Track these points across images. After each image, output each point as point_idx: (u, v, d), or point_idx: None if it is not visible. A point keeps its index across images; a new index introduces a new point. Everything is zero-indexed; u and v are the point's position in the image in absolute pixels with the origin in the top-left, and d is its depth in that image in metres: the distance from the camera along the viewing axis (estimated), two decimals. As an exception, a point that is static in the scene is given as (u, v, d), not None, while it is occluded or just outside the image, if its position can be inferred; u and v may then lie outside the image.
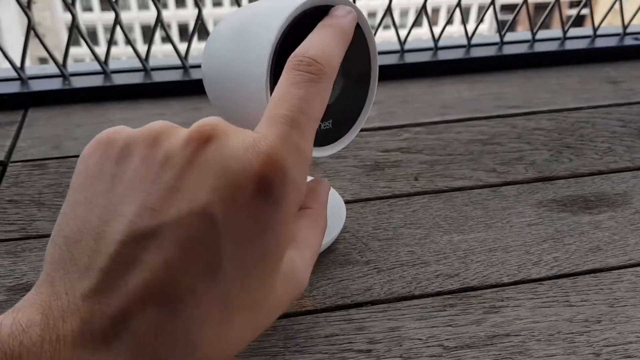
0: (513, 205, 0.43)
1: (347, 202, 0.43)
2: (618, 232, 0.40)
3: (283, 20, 0.28)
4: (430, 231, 0.40)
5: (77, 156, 0.47)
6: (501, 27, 0.66)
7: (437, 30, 0.63)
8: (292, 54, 0.25)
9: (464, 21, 0.66)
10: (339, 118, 0.33)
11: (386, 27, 0.68)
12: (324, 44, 0.26)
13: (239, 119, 0.32)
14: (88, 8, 15.13)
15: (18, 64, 0.56)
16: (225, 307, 0.21)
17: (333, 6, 0.30)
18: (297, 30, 0.28)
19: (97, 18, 15.56)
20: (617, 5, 0.67)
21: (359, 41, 0.32)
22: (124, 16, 14.43)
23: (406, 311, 0.34)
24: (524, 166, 0.47)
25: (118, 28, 0.56)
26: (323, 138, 0.33)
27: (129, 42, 0.58)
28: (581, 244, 0.39)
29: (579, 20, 0.71)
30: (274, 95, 0.24)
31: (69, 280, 0.20)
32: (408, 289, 0.36)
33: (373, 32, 0.32)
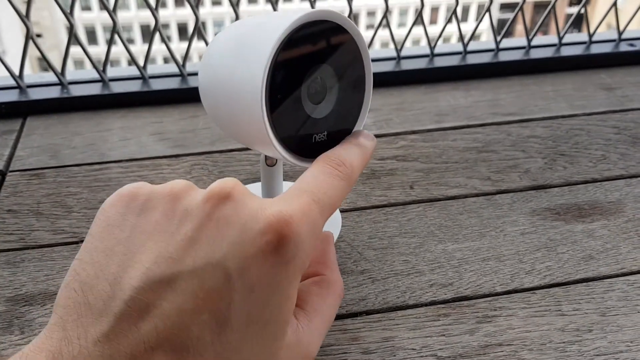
0: (507, 213, 0.43)
1: (343, 210, 0.43)
2: (611, 241, 0.41)
3: (280, 33, 0.28)
4: (425, 240, 0.41)
5: (75, 165, 0.48)
6: (498, 28, 0.66)
7: (433, 33, 0.64)
8: (325, 154, 0.29)
9: (459, 28, 0.66)
10: (333, 130, 0.33)
11: (384, 25, 0.69)
12: (352, 155, 0.29)
13: (233, 130, 0.33)
14: (87, 8, 15.13)
15: (16, 71, 0.57)
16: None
17: (329, 22, 0.30)
18: (294, 43, 0.29)
19: (96, 17, 15.56)
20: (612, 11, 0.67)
21: (353, 55, 0.32)
22: (123, 16, 14.43)
23: (400, 321, 0.35)
24: (518, 174, 0.48)
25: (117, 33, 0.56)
26: (319, 149, 0.33)
27: (128, 52, 0.58)
28: (574, 253, 0.40)
29: (578, 20, 0.71)
30: (305, 174, 0.27)
31: (82, 325, 0.20)
32: (402, 298, 0.36)
33: (367, 46, 0.33)
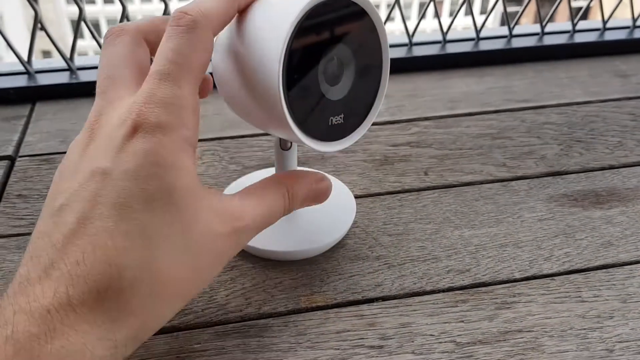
0: (524, 200, 0.43)
1: (356, 196, 0.43)
2: (629, 227, 0.40)
3: (298, 12, 0.27)
4: (440, 226, 0.40)
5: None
6: (508, 19, 0.65)
7: (444, 22, 0.63)
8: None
9: (472, 14, 0.65)
10: (350, 112, 0.32)
11: (390, 19, 0.68)
12: (196, 2, 0.28)
13: (249, 112, 0.32)
14: (91, 1, 15.10)
15: (25, 57, 0.56)
16: (144, 235, 0.24)
17: (347, 2, 0.29)
18: (311, 23, 0.28)
19: (100, 10, 15.54)
20: (627, -2, 0.66)
21: (370, 36, 0.32)
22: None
23: (418, 307, 0.34)
24: (534, 160, 0.47)
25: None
26: (334, 133, 0.32)
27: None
28: (593, 239, 0.39)
29: (583, 14, 0.70)
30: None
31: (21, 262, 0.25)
32: (419, 284, 0.35)
33: (384, 26, 0.32)
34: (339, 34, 0.30)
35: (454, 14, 0.64)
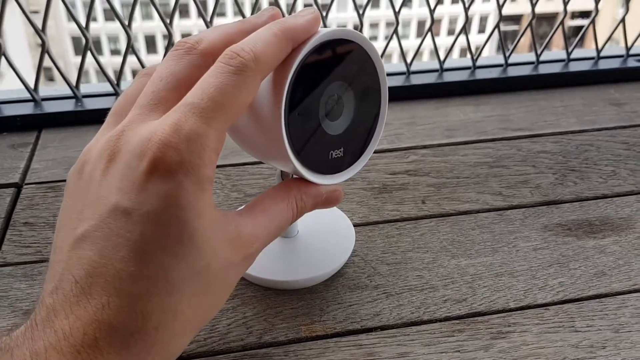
0: (519, 229, 0.44)
1: (356, 225, 0.44)
2: (622, 257, 0.41)
3: (300, 52, 0.28)
4: (438, 255, 0.41)
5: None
6: (504, 48, 0.67)
7: (438, 44, 0.64)
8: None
9: (469, 43, 0.67)
10: (349, 146, 0.34)
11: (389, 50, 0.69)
12: (257, 40, 0.27)
13: (250, 145, 0.33)
14: (92, 18, 15.22)
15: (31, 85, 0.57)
16: (166, 280, 0.24)
17: (346, 40, 0.31)
18: (312, 62, 0.29)
19: (101, 27, 15.66)
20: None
21: (368, 72, 0.33)
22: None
23: (415, 336, 0.35)
24: (529, 189, 0.48)
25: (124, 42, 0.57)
26: (334, 166, 0.34)
27: (141, 65, 0.58)
28: (586, 269, 0.40)
29: (576, 35, 0.72)
30: (196, 84, 0.26)
31: (42, 289, 0.26)
32: (417, 314, 0.36)
33: (383, 64, 0.33)
34: (338, 71, 0.31)
35: (450, 44, 0.66)
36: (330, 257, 0.39)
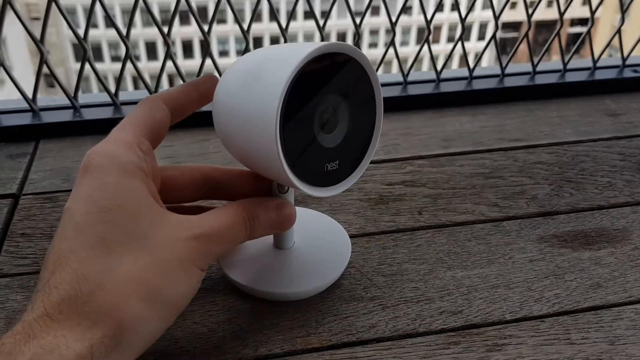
0: (515, 240, 0.44)
1: (352, 236, 0.44)
2: (618, 269, 0.41)
3: (294, 66, 0.29)
4: (434, 267, 0.41)
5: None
6: (501, 59, 0.67)
7: (436, 51, 0.65)
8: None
9: (465, 55, 0.67)
10: (345, 158, 0.34)
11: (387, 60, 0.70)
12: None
13: (246, 158, 0.34)
14: (93, 25, 15.28)
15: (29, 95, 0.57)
16: (104, 245, 0.27)
17: (340, 54, 0.31)
18: (306, 76, 0.29)
19: (102, 34, 15.71)
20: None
21: (363, 85, 0.33)
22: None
23: (411, 349, 0.35)
24: (525, 201, 0.48)
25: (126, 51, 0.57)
26: (330, 178, 0.34)
27: (141, 79, 0.59)
28: (582, 281, 0.40)
29: (574, 42, 0.72)
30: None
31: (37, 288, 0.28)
32: (412, 326, 0.36)
33: (378, 78, 0.34)
34: (333, 84, 0.31)
35: (448, 53, 0.66)
36: (326, 269, 0.39)
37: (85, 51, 0.55)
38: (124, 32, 0.56)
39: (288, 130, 0.30)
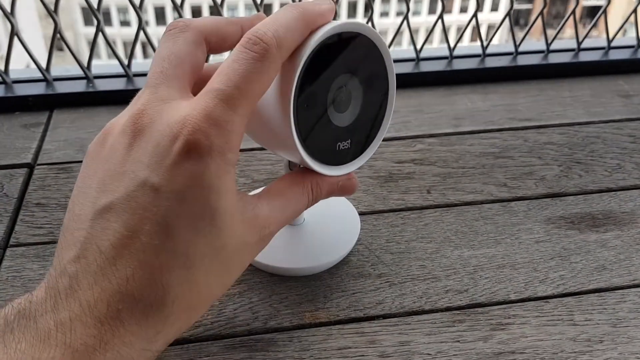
0: (522, 221, 0.44)
1: (361, 213, 0.44)
2: (624, 252, 0.42)
3: (310, 45, 0.29)
4: (441, 245, 0.42)
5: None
6: (514, 37, 0.67)
7: (448, 21, 0.64)
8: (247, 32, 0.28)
9: (479, 30, 0.66)
10: (356, 138, 0.34)
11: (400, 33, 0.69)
12: (278, 24, 0.27)
13: (259, 135, 0.34)
14: (108, 24, 15.15)
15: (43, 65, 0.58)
16: (187, 255, 0.26)
17: (356, 33, 0.31)
18: (322, 54, 0.29)
19: (117, 33, 15.60)
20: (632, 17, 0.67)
21: (377, 64, 0.33)
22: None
23: (416, 326, 0.36)
24: (534, 181, 0.48)
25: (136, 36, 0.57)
26: (341, 157, 0.34)
27: (153, 49, 0.59)
28: (587, 263, 0.41)
29: (591, 14, 0.71)
30: (219, 68, 0.27)
31: (60, 255, 0.26)
32: (419, 303, 0.37)
33: (392, 60, 0.34)
34: (347, 63, 0.31)
35: (461, 30, 0.66)
36: (335, 245, 0.40)
37: (98, 22, 0.56)
38: (137, 2, 0.56)
39: (301, 107, 0.30)
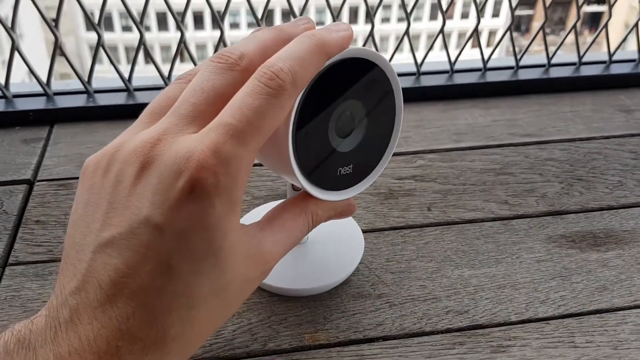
0: (523, 239, 0.44)
1: (361, 231, 0.44)
2: (625, 272, 0.41)
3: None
4: (441, 265, 0.42)
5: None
6: (515, 51, 0.67)
7: (449, 28, 0.64)
8: (263, 64, 0.27)
9: (480, 44, 0.66)
10: (359, 163, 0.34)
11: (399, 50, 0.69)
12: (294, 59, 0.27)
13: (259, 156, 0.34)
14: (110, 29, 15.21)
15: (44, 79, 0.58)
16: (189, 296, 0.25)
17: (361, 58, 0.30)
18: (324, 80, 0.29)
19: (119, 38, 15.65)
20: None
21: (382, 90, 0.33)
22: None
23: (416, 348, 0.35)
24: (535, 199, 0.48)
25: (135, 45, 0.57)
26: (342, 182, 0.34)
27: (155, 65, 0.59)
28: (588, 283, 0.40)
29: (593, 20, 0.71)
30: (231, 100, 0.26)
31: (62, 283, 0.26)
32: (419, 325, 0.37)
33: (399, 84, 0.33)
34: (352, 90, 0.31)
35: (463, 37, 0.66)
36: (337, 266, 0.40)
37: (99, 36, 0.56)
38: (138, 18, 0.56)
39: (301, 136, 0.29)
